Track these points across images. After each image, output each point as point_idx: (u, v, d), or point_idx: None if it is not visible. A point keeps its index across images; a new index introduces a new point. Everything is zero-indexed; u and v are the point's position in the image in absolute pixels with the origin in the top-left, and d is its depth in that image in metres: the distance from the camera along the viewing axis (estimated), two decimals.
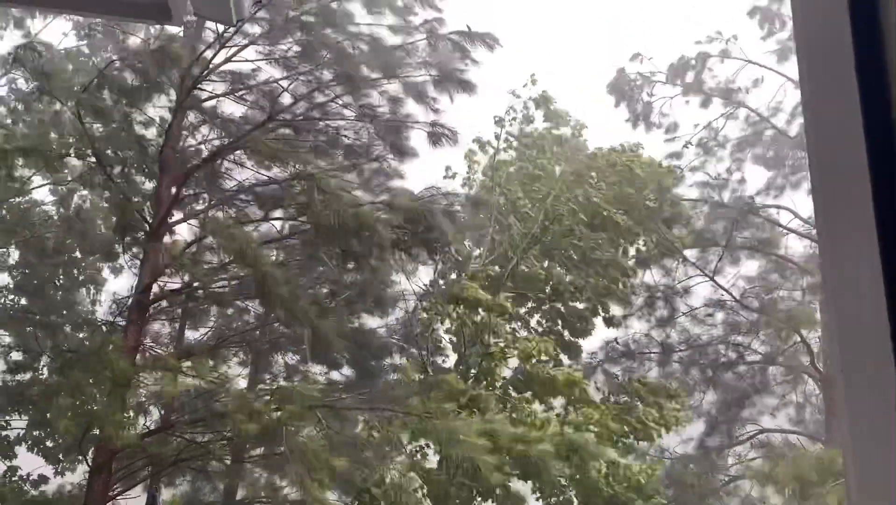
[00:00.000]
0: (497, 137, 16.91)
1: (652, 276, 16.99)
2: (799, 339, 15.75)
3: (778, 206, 16.86)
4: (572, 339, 16.50)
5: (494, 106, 16.70)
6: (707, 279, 16.49)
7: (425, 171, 13.32)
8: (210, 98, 12.27)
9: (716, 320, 16.55)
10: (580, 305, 16.47)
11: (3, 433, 12.55)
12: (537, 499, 14.22)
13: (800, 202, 16.29)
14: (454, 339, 15.26)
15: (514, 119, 17.07)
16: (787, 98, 16.60)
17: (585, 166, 16.53)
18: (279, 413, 10.99)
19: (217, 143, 12.43)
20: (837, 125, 0.84)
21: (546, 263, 16.74)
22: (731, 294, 16.40)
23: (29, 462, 12.59)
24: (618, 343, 16.76)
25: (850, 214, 0.81)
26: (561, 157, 16.56)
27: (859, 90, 0.81)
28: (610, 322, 16.44)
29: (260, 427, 11.32)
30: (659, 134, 17.75)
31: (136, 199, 12.22)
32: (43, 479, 12.33)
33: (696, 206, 17.18)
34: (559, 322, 16.54)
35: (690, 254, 16.83)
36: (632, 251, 16.70)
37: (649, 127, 17.69)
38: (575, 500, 14.15)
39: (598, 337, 16.73)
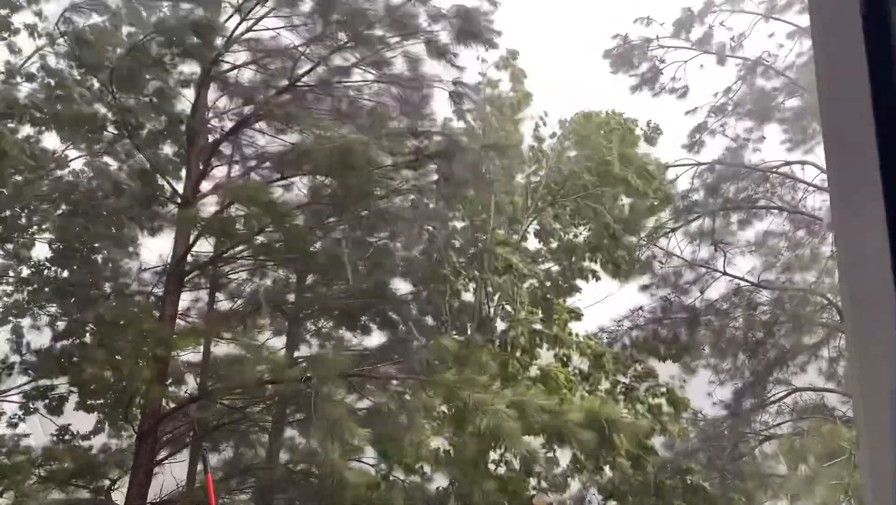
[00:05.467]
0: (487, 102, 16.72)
1: (678, 244, 16.83)
2: (826, 301, 15.60)
3: (803, 162, 16.57)
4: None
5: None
6: (727, 252, 16.33)
7: None
8: (232, 68, 12.37)
9: (739, 299, 16.42)
10: (594, 266, 16.51)
11: (52, 393, 12.94)
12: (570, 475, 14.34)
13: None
14: (481, 303, 15.33)
15: (497, 81, 16.90)
16: (803, 51, 16.24)
17: (583, 127, 16.59)
18: (311, 380, 11.24)
19: (241, 112, 12.54)
20: (845, 75, 0.90)
21: (558, 224, 16.81)
22: (748, 280, 16.26)
23: (77, 420, 13.00)
24: (643, 310, 16.72)
25: (858, 166, 0.87)
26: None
27: (865, 44, 0.87)
28: (615, 274, 16.40)
29: (293, 392, 11.64)
30: (671, 99, 17.47)
31: (167, 171, 12.44)
32: (87, 437, 12.77)
33: (709, 170, 16.93)
34: (573, 283, 16.61)
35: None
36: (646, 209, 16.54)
37: (658, 91, 17.38)
38: (609, 472, 14.21)
39: (623, 303, 16.71)
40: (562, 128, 16.97)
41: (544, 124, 16.92)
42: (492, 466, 13.93)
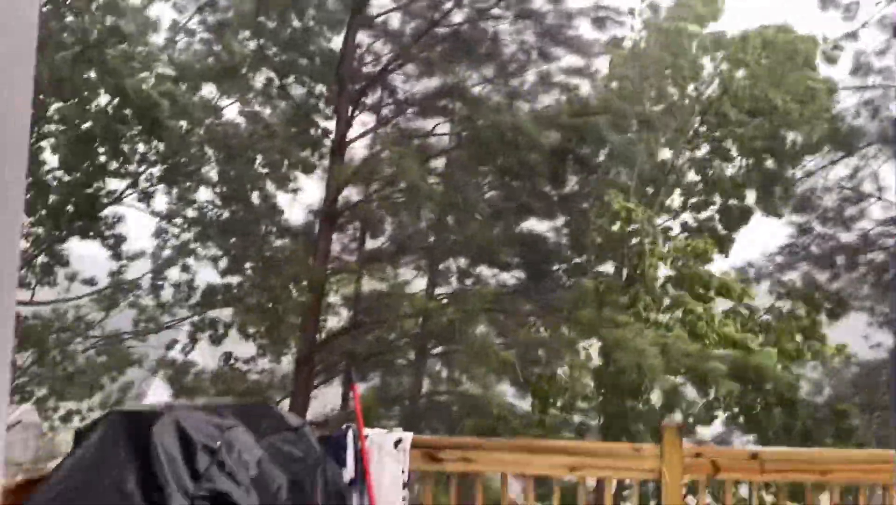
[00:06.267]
0: (633, 30, 16.09)
1: (839, 176, 15.83)
2: None
3: None
4: (728, 235, 16.02)
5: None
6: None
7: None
8: (379, 15, 12.72)
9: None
10: (741, 202, 15.90)
11: (217, 323, 14.12)
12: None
13: None
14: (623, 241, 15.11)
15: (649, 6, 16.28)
16: None
17: (737, 49, 15.63)
18: (455, 314, 11.75)
19: (387, 57, 12.92)
20: None
21: (704, 154, 16.26)
22: None
23: (239, 349, 14.15)
24: (797, 246, 15.96)
25: None
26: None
27: None
28: (769, 208, 15.67)
29: (437, 326, 12.21)
30: (835, 15, 16.16)
31: (317, 112, 13.07)
32: (249, 362, 13.87)
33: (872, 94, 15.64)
34: (716, 218, 16.11)
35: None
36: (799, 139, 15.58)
37: (825, 6, 16.11)
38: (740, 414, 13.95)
39: (774, 239, 16.04)
40: (728, 48, 16.01)
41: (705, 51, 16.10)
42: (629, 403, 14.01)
